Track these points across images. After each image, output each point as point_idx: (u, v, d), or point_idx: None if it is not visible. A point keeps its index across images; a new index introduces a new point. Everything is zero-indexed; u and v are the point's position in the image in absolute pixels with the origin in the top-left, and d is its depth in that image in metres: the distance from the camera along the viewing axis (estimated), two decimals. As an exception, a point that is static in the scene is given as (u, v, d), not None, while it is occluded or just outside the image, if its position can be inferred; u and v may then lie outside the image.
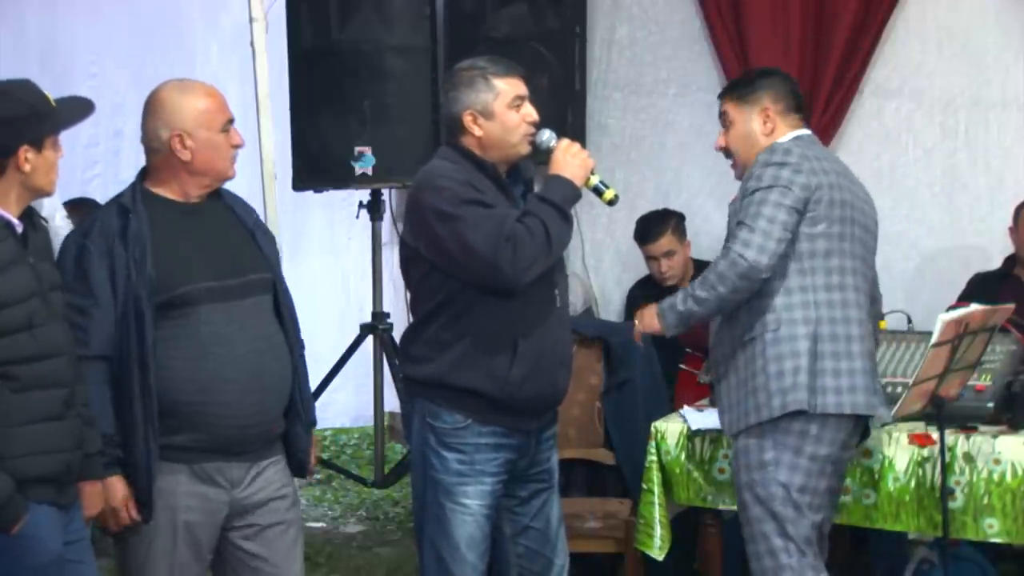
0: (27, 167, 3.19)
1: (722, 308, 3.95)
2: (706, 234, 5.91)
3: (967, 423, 4.27)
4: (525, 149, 3.86)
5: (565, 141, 3.85)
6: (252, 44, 5.21)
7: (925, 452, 4.24)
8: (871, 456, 4.29)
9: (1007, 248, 5.47)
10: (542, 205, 3.73)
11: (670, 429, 4.52)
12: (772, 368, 3.90)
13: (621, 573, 5.03)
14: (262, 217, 4.10)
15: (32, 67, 6.21)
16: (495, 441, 3.84)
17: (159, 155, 3.59)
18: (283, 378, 3.66)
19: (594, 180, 3.87)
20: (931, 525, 4.24)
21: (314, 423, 3.86)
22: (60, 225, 4.45)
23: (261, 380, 3.58)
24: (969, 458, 4.20)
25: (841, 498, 4.25)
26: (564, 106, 5.80)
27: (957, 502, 4.18)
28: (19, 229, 3.22)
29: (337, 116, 5.58)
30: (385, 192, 5.99)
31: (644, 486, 4.50)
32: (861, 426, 4.05)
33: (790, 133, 4.04)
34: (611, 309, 6.25)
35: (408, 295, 4.09)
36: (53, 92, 3.29)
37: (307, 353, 3.82)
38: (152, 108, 3.59)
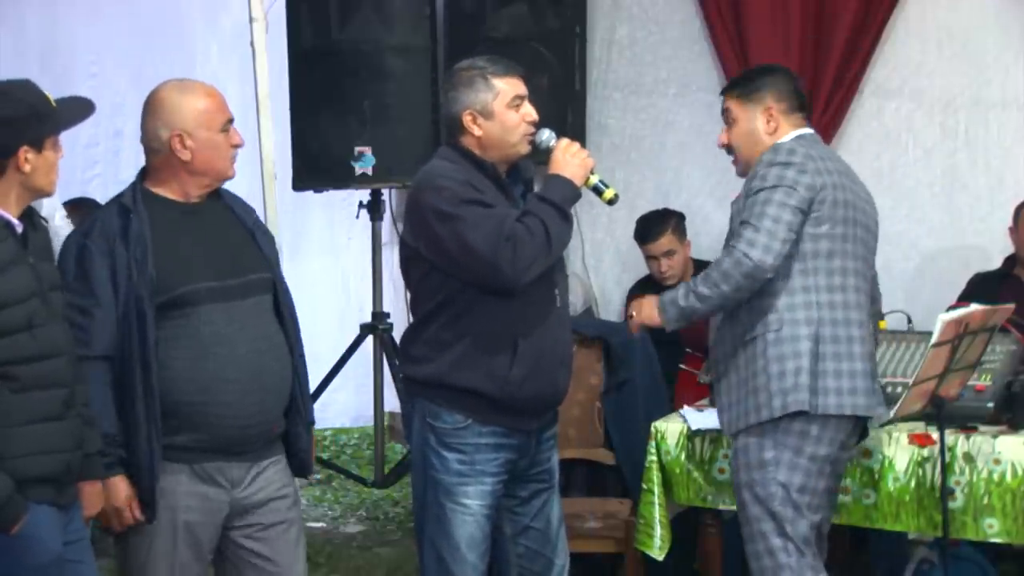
0: (27, 167, 3.19)
1: (724, 306, 3.94)
2: (706, 234, 5.91)
3: (967, 423, 4.27)
4: (525, 149, 3.86)
5: (565, 140, 3.85)
6: (252, 44, 5.21)
7: (925, 452, 4.24)
8: (871, 456, 4.29)
9: (1007, 248, 5.47)
10: (542, 205, 3.73)
11: (670, 429, 4.52)
12: (773, 368, 3.90)
13: (621, 573, 5.03)
14: (262, 217, 4.10)
15: (32, 67, 6.21)
16: (495, 441, 3.84)
17: (159, 155, 3.59)
18: (283, 378, 3.66)
19: (594, 179, 3.87)
20: (931, 525, 4.24)
21: (312, 423, 3.86)
22: (60, 225, 4.45)
23: (261, 380, 3.58)
24: (969, 458, 4.20)
25: (841, 498, 4.25)
26: (564, 106, 5.80)
27: (957, 502, 4.18)
28: (19, 229, 3.22)
29: (337, 116, 5.58)
30: (385, 192, 5.99)
31: (644, 486, 4.50)
32: (860, 427, 4.05)
33: (793, 132, 4.03)
34: (611, 309, 6.25)
35: (408, 295, 4.09)
36: (53, 92, 3.29)
37: (307, 353, 3.82)
38: (152, 108, 3.58)
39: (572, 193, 3.79)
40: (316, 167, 5.70)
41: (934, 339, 3.91)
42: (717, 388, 4.09)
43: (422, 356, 3.85)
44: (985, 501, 4.17)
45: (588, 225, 6.18)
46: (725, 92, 4.17)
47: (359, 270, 6.55)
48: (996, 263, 5.53)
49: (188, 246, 3.57)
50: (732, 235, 3.95)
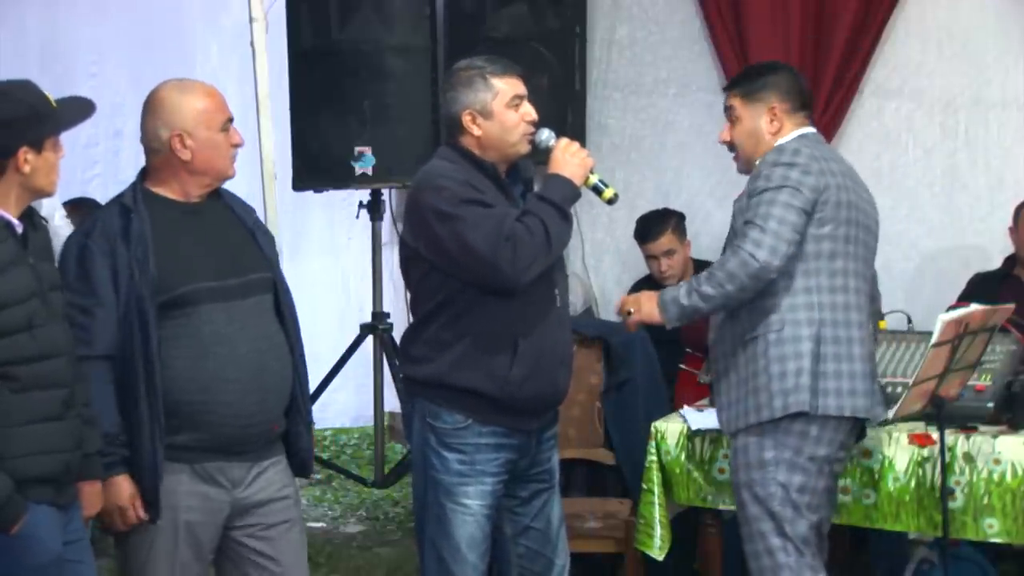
0: (27, 168, 3.18)
1: (727, 306, 3.94)
2: (706, 234, 5.91)
3: (967, 423, 4.27)
4: (524, 148, 3.86)
5: (564, 140, 3.85)
6: (252, 44, 5.21)
7: (925, 452, 4.24)
8: (871, 456, 4.29)
9: (1007, 248, 5.47)
10: (541, 204, 3.73)
11: (670, 429, 4.52)
12: (774, 368, 3.90)
13: (621, 573, 5.03)
14: (262, 217, 4.10)
15: (32, 67, 6.22)
16: (496, 441, 3.84)
17: (159, 155, 3.59)
18: (284, 377, 3.66)
19: (593, 179, 3.87)
20: (931, 525, 4.24)
21: (312, 423, 3.86)
22: (59, 225, 4.46)
23: (262, 379, 3.58)
24: (969, 458, 4.19)
25: (841, 498, 4.25)
26: (564, 106, 5.80)
27: (957, 502, 4.18)
28: (19, 229, 3.22)
29: (337, 116, 5.58)
30: (385, 192, 5.99)
31: (644, 486, 4.50)
32: (858, 428, 4.05)
33: (795, 132, 4.03)
34: (611, 309, 6.19)
35: (408, 295, 4.09)
36: (53, 92, 3.29)
37: (307, 353, 3.82)
38: (151, 108, 3.58)
39: (572, 192, 3.79)
40: (316, 167, 5.70)
41: (934, 339, 3.91)
42: (717, 387, 4.09)
43: (422, 356, 3.85)
44: (985, 501, 4.17)
45: (588, 225, 6.19)
46: (728, 89, 4.16)
47: (359, 270, 6.55)
48: (996, 263, 5.53)
49: (189, 246, 3.57)
50: (735, 234, 3.94)
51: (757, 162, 4.01)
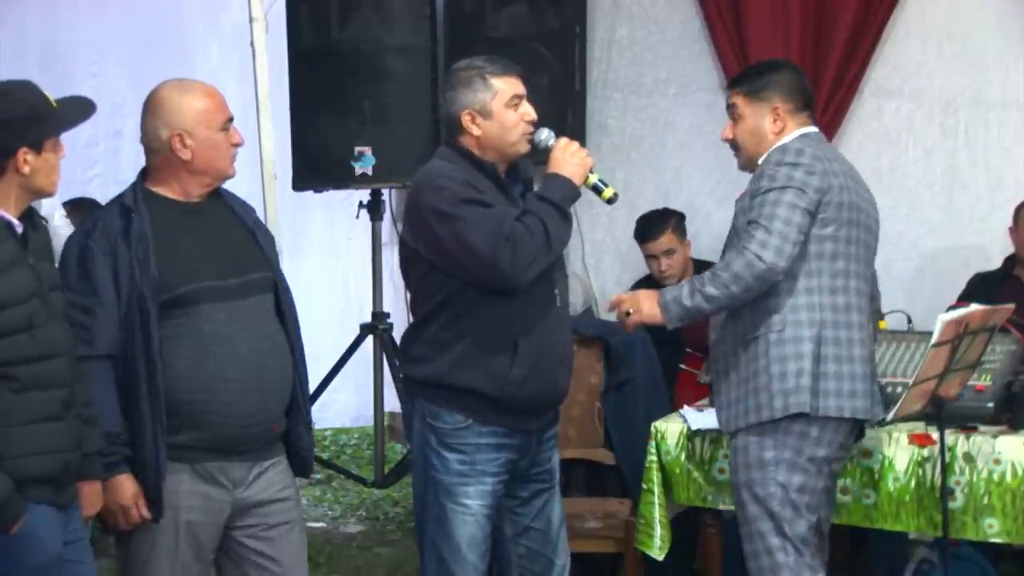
0: (26, 169, 3.18)
1: (730, 307, 3.93)
2: (706, 234, 5.91)
3: (967, 423, 4.27)
4: (524, 148, 3.86)
5: (564, 140, 3.85)
6: (252, 44, 5.22)
7: (925, 452, 4.24)
8: (871, 456, 4.29)
9: (1007, 248, 5.48)
10: (541, 204, 3.73)
11: (670, 429, 4.52)
12: (775, 369, 3.90)
13: (621, 573, 5.03)
14: (262, 217, 4.10)
15: (32, 68, 6.23)
16: (496, 441, 3.84)
17: (159, 155, 3.59)
18: (285, 377, 3.65)
19: (593, 178, 3.87)
20: (931, 525, 4.24)
21: (311, 423, 3.86)
22: (59, 224, 4.47)
23: (262, 379, 3.58)
24: (969, 458, 4.19)
25: (841, 498, 4.26)
26: (564, 106, 5.80)
27: (957, 502, 4.18)
28: (19, 230, 3.22)
29: (337, 116, 5.58)
30: (385, 192, 5.99)
31: (644, 486, 4.50)
32: (857, 428, 4.05)
33: (798, 131, 4.02)
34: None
35: (408, 295, 4.09)
36: (53, 92, 3.29)
37: (307, 353, 3.82)
38: (151, 108, 3.58)
39: (571, 192, 3.79)
40: (316, 167, 5.70)
41: (934, 339, 3.91)
42: (717, 386, 4.09)
43: (422, 356, 3.85)
44: (985, 501, 4.17)
45: (588, 225, 6.19)
46: (732, 87, 4.16)
47: (359, 270, 6.55)
48: (996, 263, 5.53)
49: (189, 245, 3.57)
50: (738, 234, 3.94)
51: (759, 161, 4.01)
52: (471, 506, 3.83)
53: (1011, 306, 4.29)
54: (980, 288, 5.27)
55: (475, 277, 3.73)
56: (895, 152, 5.81)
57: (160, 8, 6.80)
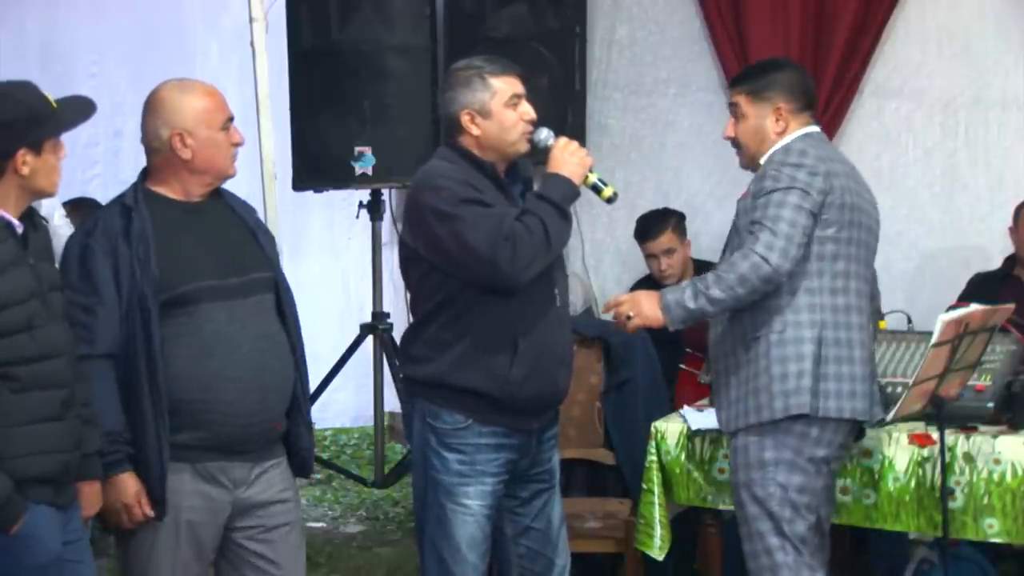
0: (25, 170, 3.18)
1: (734, 308, 3.93)
2: (706, 234, 5.91)
3: (967, 423, 4.27)
4: (523, 147, 3.86)
5: (563, 139, 3.85)
6: (252, 44, 5.22)
7: (925, 452, 4.23)
8: (871, 456, 4.29)
9: (1007, 248, 5.47)
10: (541, 203, 3.73)
11: (670, 429, 4.51)
12: (776, 369, 3.89)
13: (621, 573, 5.03)
14: (262, 217, 4.10)
15: (32, 68, 6.23)
16: (496, 441, 3.84)
17: (160, 154, 3.59)
18: (285, 377, 3.65)
19: (592, 178, 3.87)
20: (931, 525, 4.24)
21: (311, 423, 3.86)
22: (59, 224, 4.47)
23: (263, 379, 3.58)
24: (969, 458, 4.19)
25: (841, 498, 4.26)
26: (564, 106, 5.80)
27: (957, 502, 4.18)
28: (19, 230, 3.22)
29: (337, 116, 5.58)
30: (385, 192, 5.99)
31: (644, 486, 4.50)
32: (857, 428, 4.05)
33: (800, 131, 4.01)
34: (611, 309, 6.24)
35: (408, 295, 4.09)
36: (53, 92, 3.29)
37: (307, 353, 3.82)
38: (152, 108, 3.59)
39: (571, 191, 3.78)
40: (316, 167, 5.70)
41: (934, 339, 3.91)
42: (717, 386, 4.08)
43: (422, 356, 3.85)
44: (985, 501, 4.16)
45: (588, 225, 6.19)
46: (734, 86, 4.15)
47: (359, 270, 6.55)
48: (996, 263, 5.53)
49: (190, 245, 3.57)
50: (739, 234, 3.93)
51: (761, 160, 4.00)
52: (471, 506, 3.83)
53: (1011, 306, 4.29)
54: (980, 288, 5.27)
55: (475, 277, 3.73)
56: (895, 152, 5.81)
57: (160, 8, 6.80)
